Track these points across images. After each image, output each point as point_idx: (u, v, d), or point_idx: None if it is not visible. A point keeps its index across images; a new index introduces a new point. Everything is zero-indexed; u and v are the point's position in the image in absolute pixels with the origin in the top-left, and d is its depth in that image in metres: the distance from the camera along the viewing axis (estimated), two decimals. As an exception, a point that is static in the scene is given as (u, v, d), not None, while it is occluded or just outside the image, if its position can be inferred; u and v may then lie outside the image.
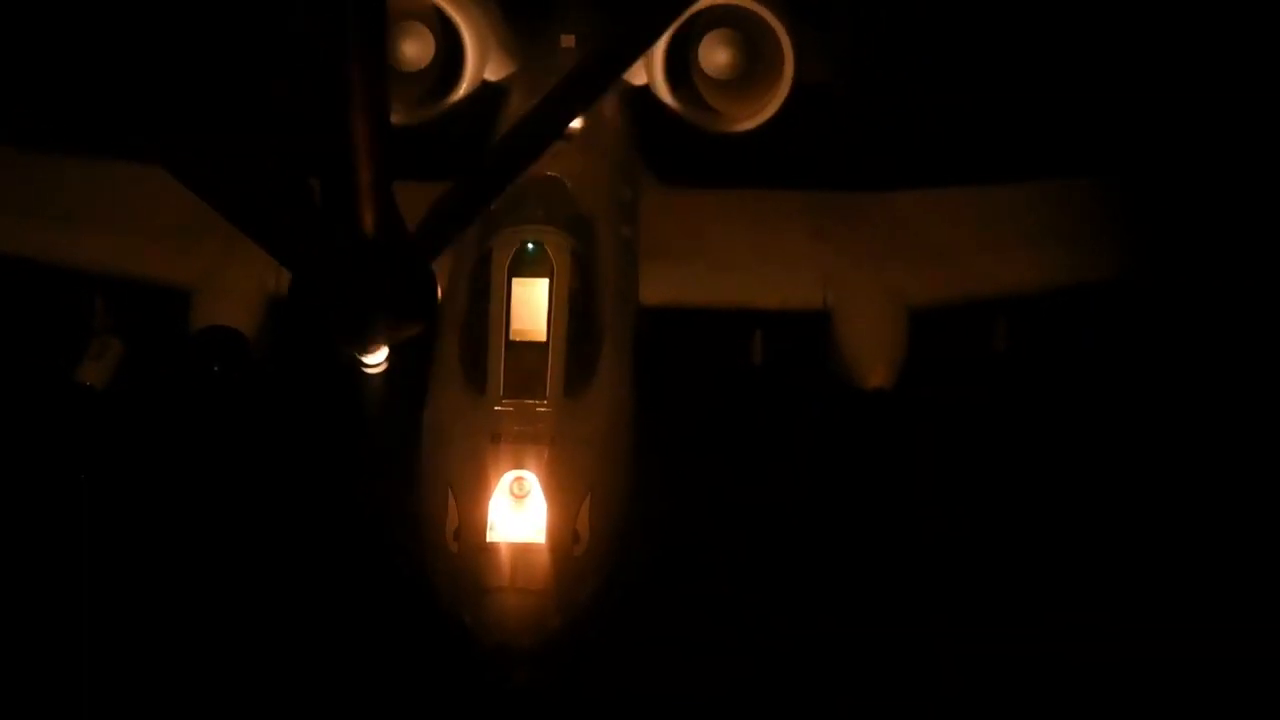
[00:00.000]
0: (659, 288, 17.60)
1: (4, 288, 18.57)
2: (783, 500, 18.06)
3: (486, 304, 14.20)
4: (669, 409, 17.32)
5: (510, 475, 13.35)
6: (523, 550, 13.12)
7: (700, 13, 19.91)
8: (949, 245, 18.25)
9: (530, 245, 14.43)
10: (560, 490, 13.38)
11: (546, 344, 14.05)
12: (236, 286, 17.55)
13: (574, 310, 14.29)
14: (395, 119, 18.95)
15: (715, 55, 20.03)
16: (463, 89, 19.69)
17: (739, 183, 20.07)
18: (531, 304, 14.23)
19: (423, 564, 13.63)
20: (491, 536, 13.18)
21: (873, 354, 17.14)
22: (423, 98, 20.05)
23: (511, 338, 14.05)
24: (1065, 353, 19.04)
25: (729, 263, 18.04)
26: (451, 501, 13.41)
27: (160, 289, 17.80)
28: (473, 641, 13.21)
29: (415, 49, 19.93)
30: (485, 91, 20.11)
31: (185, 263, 17.68)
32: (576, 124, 17.72)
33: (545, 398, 13.82)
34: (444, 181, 18.73)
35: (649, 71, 19.90)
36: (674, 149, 20.40)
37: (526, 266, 14.39)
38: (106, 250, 17.94)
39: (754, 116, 19.97)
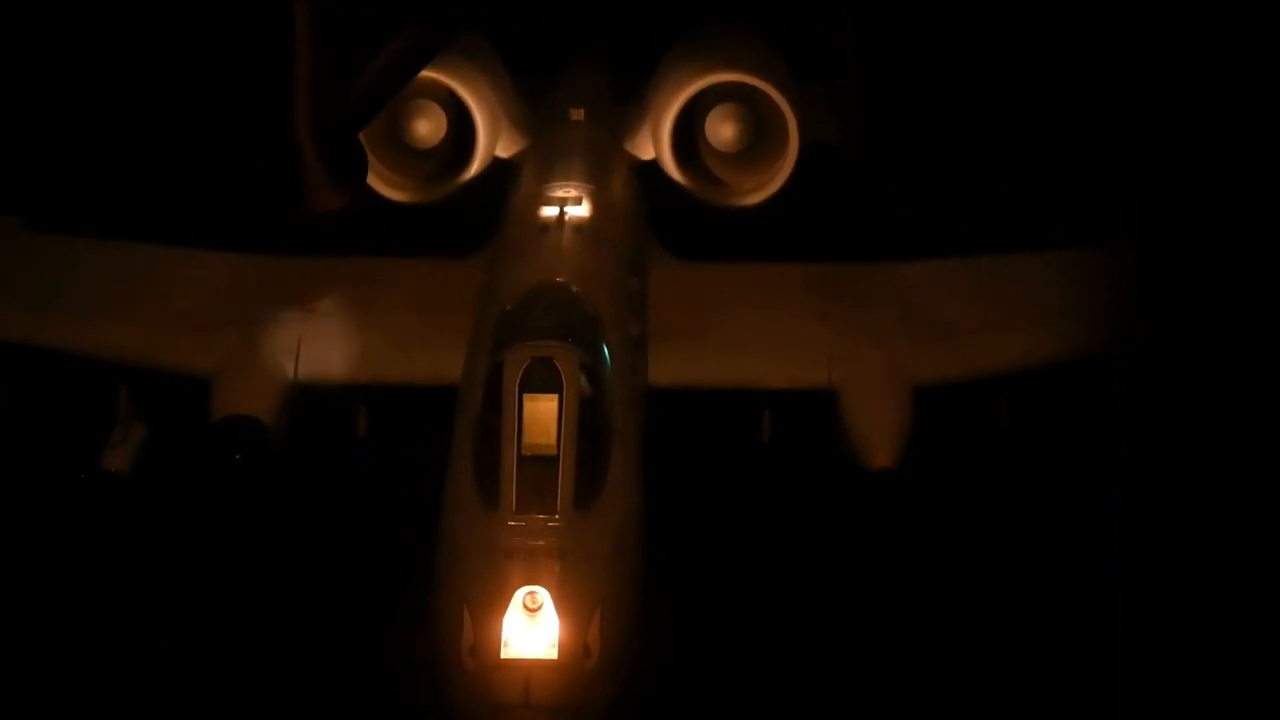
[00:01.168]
0: (667, 368, 17.93)
1: (31, 374, 18.84)
2: (790, 584, 18.26)
3: (498, 420, 14.53)
4: (677, 489, 17.64)
5: (523, 591, 13.72)
6: (536, 667, 13.49)
7: (708, 87, 20.24)
8: (953, 320, 18.51)
9: (539, 362, 14.73)
10: (572, 605, 13.75)
11: (557, 459, 14.36)
12: (255, 374, 17.88)
13: (583, 423, 14.61)
14: (409, 196, 19.86)
15: (722, 129, 20.39)
16: (474, 167, 20.04)
17: (752, 250, 20.50)
18: (542, 420, 14.55)
19: (438, 679, 13.97)
20: (505, 653, 13.55)
21: (878, 434, 17.46)
22: (436, 175, 20.42)
23: (523, 453, 14.38)
24: (1069, 427, 19.15)
25: (735, 342, 18.39)
26: (467, 617, 13.76)
27: (181, 377, 18.06)
28: None
29: (428, 127, 20.35)
30: (497, 168, 20.38)
31: (205, 351, 18.09)
32: (584, 213, 18.08)
33: (556, 512, 14.15)
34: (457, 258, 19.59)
35: (656, 146, 20.19)
36: (687, 219, 20.73)
37: (536, 382, 14.69)
38: (128, 340, 18.35)
39: (760, 190, 20.29)
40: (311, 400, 18.21)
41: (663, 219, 20.65)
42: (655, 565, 15.63)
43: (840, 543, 18.51)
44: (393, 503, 17.89)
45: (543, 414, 14.49)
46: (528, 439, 14.37)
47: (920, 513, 18.22)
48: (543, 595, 13.70)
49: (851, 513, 18.09)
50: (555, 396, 14.52)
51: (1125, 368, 19.00)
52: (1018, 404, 18.63)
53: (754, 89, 20.11)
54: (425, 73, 19.62)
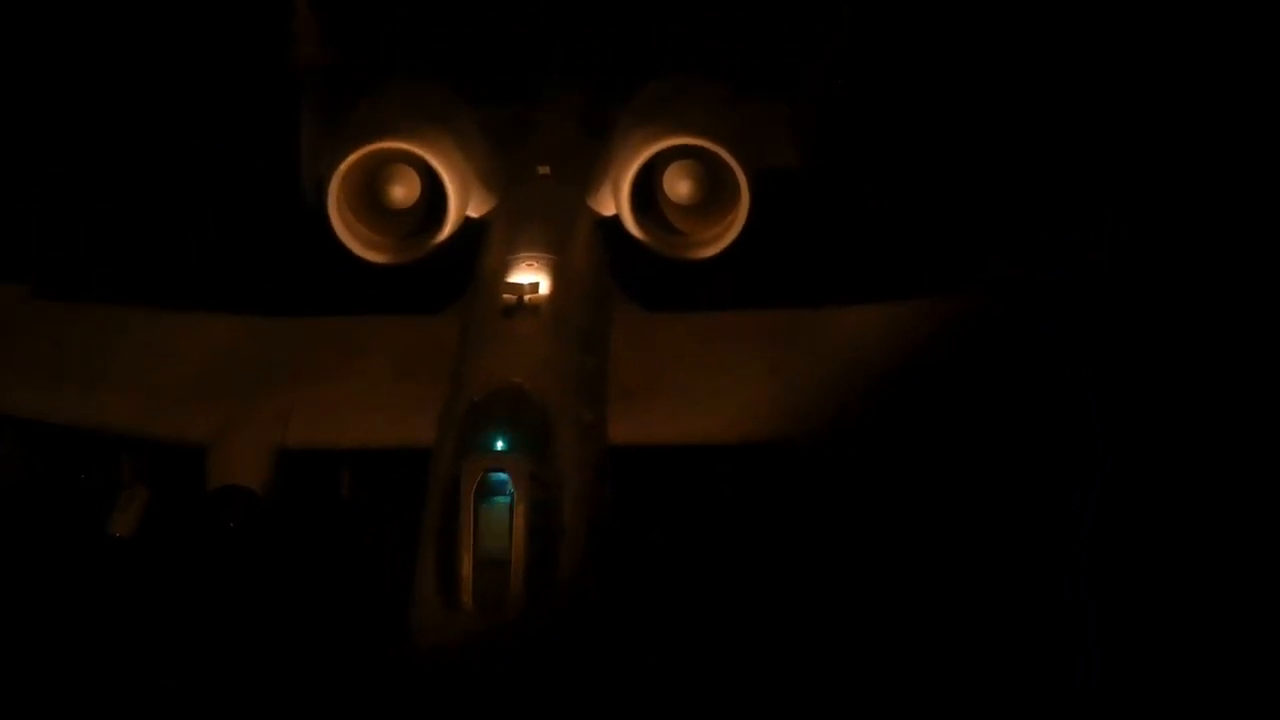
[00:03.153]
0: (625, 428, 19.33)
1: (39, 442, 20.33)
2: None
3: (456, 526, 16.00)
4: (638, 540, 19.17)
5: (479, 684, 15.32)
6: None
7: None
8: (884, 362, 19.83)
9: (492, 474, 16.20)
10: (525, 694, 15.32)
11: (508, 563, 15.86)
12: (246, 442, 19.32)
13: (534, 528, 16.04)
14: (386, 258, 21.23)
15: (678, 185, 21.68)
16: (447, 230, 21.36)
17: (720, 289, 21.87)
18: (495, 526, 15.96)
19: None
20: None
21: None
22: (410, 237, 21.78)
23: (479, 557, 15.88)
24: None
25: (690, 399, 19.69)
26: (427, 706, 15.34)
27: (178, 446, 19.55)
28: None
29: (402, 192, 21.60)
30: (469, 227, 21.75)
31: (198, 421, 19.45)
32: (544, 292, 19.46)
33: (509, 612, 15.68)
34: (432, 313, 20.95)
35: (617, 206, 21.52)
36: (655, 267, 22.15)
37: (490, 492, 16.14)
38: (127, 412, 19.74)
39: (716, 242, 21.61)
40: (300, 464, 19.51)
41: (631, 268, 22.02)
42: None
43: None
44: (374, 564, 19.27)
45: (496, 521, 15.93)
46: (482, 544, 15.80)
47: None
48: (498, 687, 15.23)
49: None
50: (508, 505, 15.92)
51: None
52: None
53: (706, 150, 21.29)
54: (398, 143, 20.97)
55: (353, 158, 21.16)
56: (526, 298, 18.96)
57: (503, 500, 15.95)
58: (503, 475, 15.97)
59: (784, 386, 19.72)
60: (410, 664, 15.62)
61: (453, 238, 21.52)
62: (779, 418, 19.39)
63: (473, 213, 21.75)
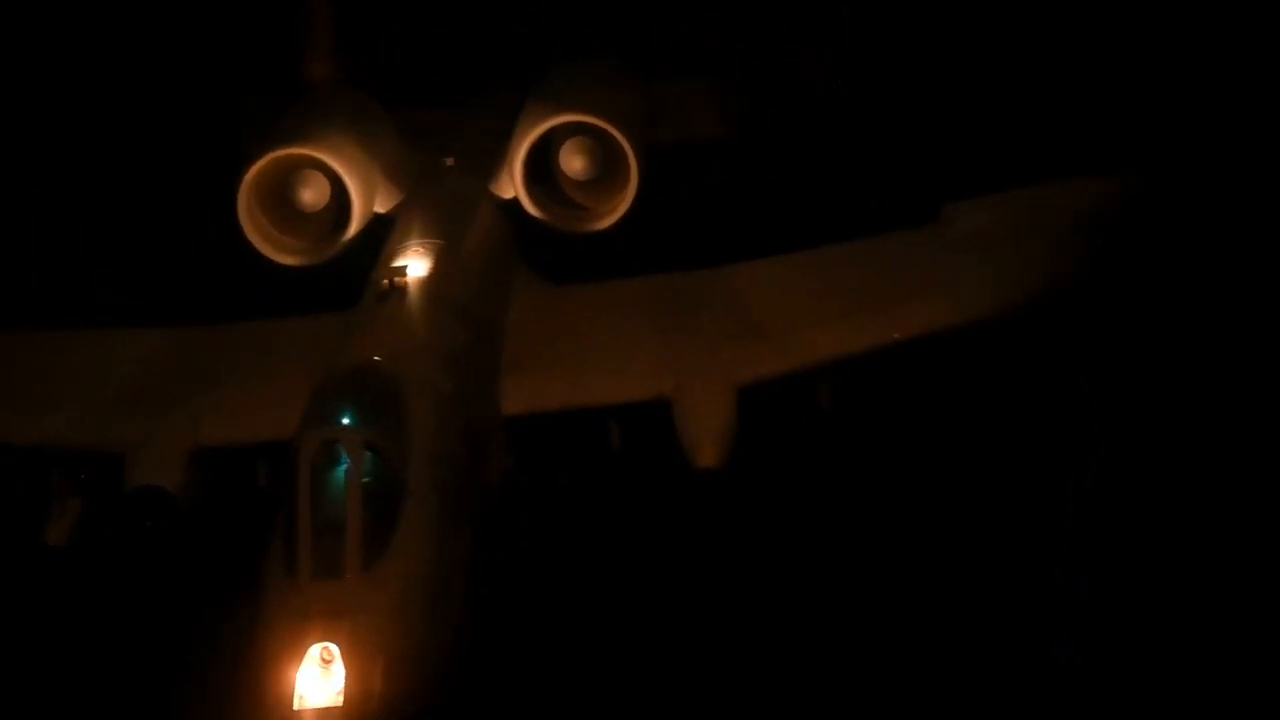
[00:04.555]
0: (518, 398, 20.09)
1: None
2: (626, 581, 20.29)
3: (295, 499, 16.84)
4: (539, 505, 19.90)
5: (317, 648, 16.09)
6: (324, 714, 15.88)
7: (558, 126, 22.39)
8: (775, 318, 20.39)
9: (327, 445, 17.00)
10: (357, 657, 16.02)
11: (344, 529, 16.65)
12: (163, 444, 20.31)
13: (369, 496, 16.82)
14: (298, 260, 22.17)
15: (573, 161, 22.52)
16: (353, 228, 22.27)
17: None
18: (331, 497, 16.79)
19: None
20: (298, 704, 15.93)
21: (701, 436, 19.46)
22: (323, 237, 22.73)
23: (317, 526, 16.69)
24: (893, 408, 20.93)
25: (579, 365, 20.41)
26: (271, 674, 16.17)
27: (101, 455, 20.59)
28: None
29: (312, 195, 22.57)
30: (377, 224, 22.65)
31: (121, 430, 20.46)
32: (422, 274, 20.25)
33: (344, 577, 16.47)
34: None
35: (513, 186, 22.35)
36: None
37: (326, 463, 16.95)
38: (53, 427, 20.82)
39: (610, 215, 22.38)
40: (216, 462, 20.43)
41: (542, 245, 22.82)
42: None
43: (672, 541, 20.37)
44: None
45: (332, 491, 16.73)
46: (319, 514, 16.61)
47: (745, 505, 19.99)
48: (334, 650, 16.00)
49: (681, 513, 19.98)
50: (344, 474, 16.70)
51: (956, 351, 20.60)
52: (843, 392, 20.27)
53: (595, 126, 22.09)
54: (299, 149, 21.95)
55: (256, 166, 22.07)
56: (395, 280, 19.67)
57: (340, 471, 16.66)
58: (337, 446, 16.67)
59: (671, 340, 20.28)
60: (256, 636, 16.40)
61: (362, 235, 22.27)
62: (663, 375, 19.91)
63: (380, 209, 22.54)
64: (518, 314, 21.30)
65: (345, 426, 16.86)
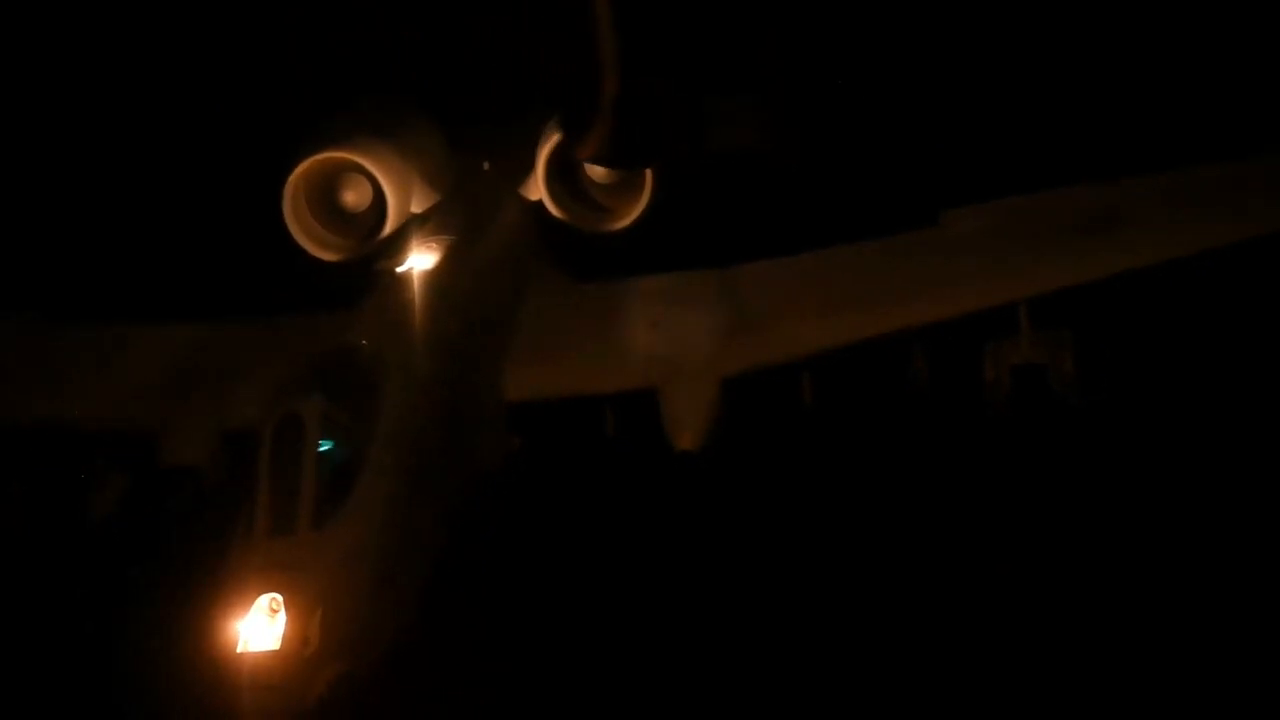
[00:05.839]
0: (524, 386, 21.40)
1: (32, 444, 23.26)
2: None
3: (258, 464, 18.26)
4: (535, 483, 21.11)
5: (266, 597, 17.46)
6: (263, 656, 17.21)
7: None
8: (760, 315, 21.42)
9: (291, 417, 18.32)
10: (297, 607, 17.33)
11: (299, 491, 18.00)
12: (193, 427, 21.92)
13: (326, 464, 18.08)
14: (339, 256, 23.63)
15: (595, 168, 23.72)
16: (388, 226, 23.65)
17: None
18: (292, 463, 17.84)
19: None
20: (242, 647, 17.30)
21: (682, 422, 20.60)
22: (365, 236, 24.18)
23: (276, 488, 18.00)
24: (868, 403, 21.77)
25: (581, 356, 21.68)
26: (223, 620, 17.57)
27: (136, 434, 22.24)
28: None
29: (354, 196, 24.03)
30: (417, 222, 24.03)
31: (151, 411, 22.13)
32: (427, 266, 21.58)
33: (296, 534, 17.81)
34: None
35: (536, 188, 23.69)
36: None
37: (290, 433, 18.30)
38: (91, 410, 22.56)
39: (628, 216, 23.58)
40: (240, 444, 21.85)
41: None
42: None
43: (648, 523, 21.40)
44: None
45: (293, 458, 18.08)
46: (281, 478, 17.90)
47: (723, 487, 20.98)
48: (279, 600, 17.36)
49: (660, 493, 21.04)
50: (301, 443, 18.07)
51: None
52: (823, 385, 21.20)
53: None
54: (339, 153, 23.47)
55: (300, 168, 23.58)
56: (394, 273, 21.03)
57: (302, 441, 18.03)
58: (297, 416, 18.04)
59: (662, 334, 21.38)
60: (221, 589, 17.82)
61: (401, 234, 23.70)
62: (651, 366, 21.06)
63: (416, 209, 23.92)
64: (534, 308, 22.42)
65: (309, 400, 18.14)
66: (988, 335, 21.88)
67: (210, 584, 17.92)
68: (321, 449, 18.10)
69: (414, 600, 18.47)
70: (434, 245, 21.98)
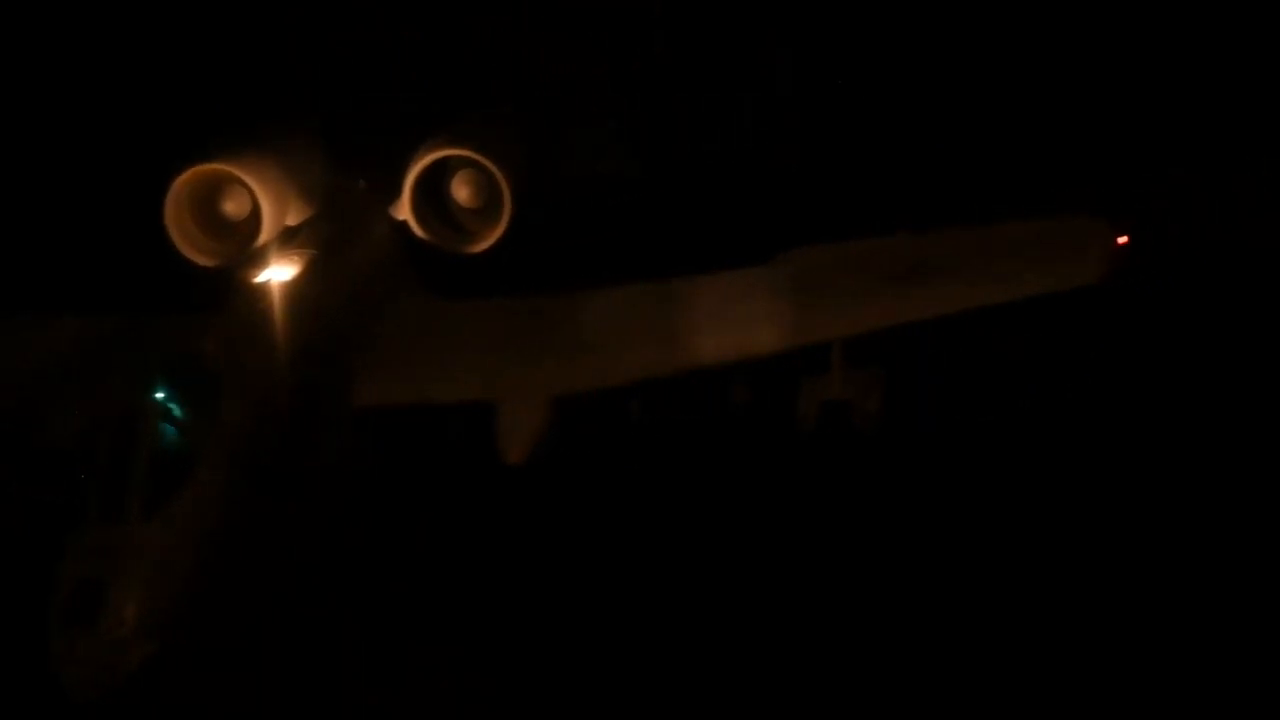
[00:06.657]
0: (373, 394, 22.88)
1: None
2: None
3: (96, 460, 19.69)
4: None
5: (89, 580, 18.90)
6: (79, 633, 18.63)
7: (444, 158, 25.19)
8: (592, 342, 22.97)
9: (129, 417, 19.70)
10: (120, 590, 18.75)
11: (133, 483, 19.42)
12: (63, 415, 23.29)
13: (158, 459, 19.40)
14: (214, 262, 25.04)
15: (460, 190, 25.28)
16: (263, 236, 25.05)
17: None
18: (129, 459, 19.28)
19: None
20: (63, 625, 18.72)
21: (511, 437, 22.14)
22: (242, 244, 25.58)
23: (112, 481, 19.41)
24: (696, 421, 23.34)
25: (426, 368, 23.15)
26: (56, 601, 18.97)
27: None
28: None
29: (234, 206, 25.44)
30: (290, 234, 25.48)
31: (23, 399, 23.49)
32: (285, 278, 23.04)
33: (126, 523, 19.20)
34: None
35: (403, 209, 25.19)
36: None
37: (125, 426, 19.68)
38: None
39: (486, 239, 25.12)
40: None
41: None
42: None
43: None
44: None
45: (130, 454, 19.52)
46: (117, 472, 19.33)
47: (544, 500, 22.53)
48: (106, 581, 18.81)
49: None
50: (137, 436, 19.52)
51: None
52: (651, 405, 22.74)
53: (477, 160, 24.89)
54: (218, 165, 24.89)
55: (183, 178, 25.00)
56: (250, 283, 22.50)
57: (139, 439, 19.49)
58: (134, 411, 19.50)
59: (504, 356, 22.90)
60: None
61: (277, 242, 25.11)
62: (491, 384, 22.62)
63: (291, 221, 25.35)
64: (393, 321, 23.90)
65: (149, 398, 19.59)
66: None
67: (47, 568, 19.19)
68: (162, 445, 19.38)
69: (262, 589, 19.79)
70: (295, 258, 23.31)
